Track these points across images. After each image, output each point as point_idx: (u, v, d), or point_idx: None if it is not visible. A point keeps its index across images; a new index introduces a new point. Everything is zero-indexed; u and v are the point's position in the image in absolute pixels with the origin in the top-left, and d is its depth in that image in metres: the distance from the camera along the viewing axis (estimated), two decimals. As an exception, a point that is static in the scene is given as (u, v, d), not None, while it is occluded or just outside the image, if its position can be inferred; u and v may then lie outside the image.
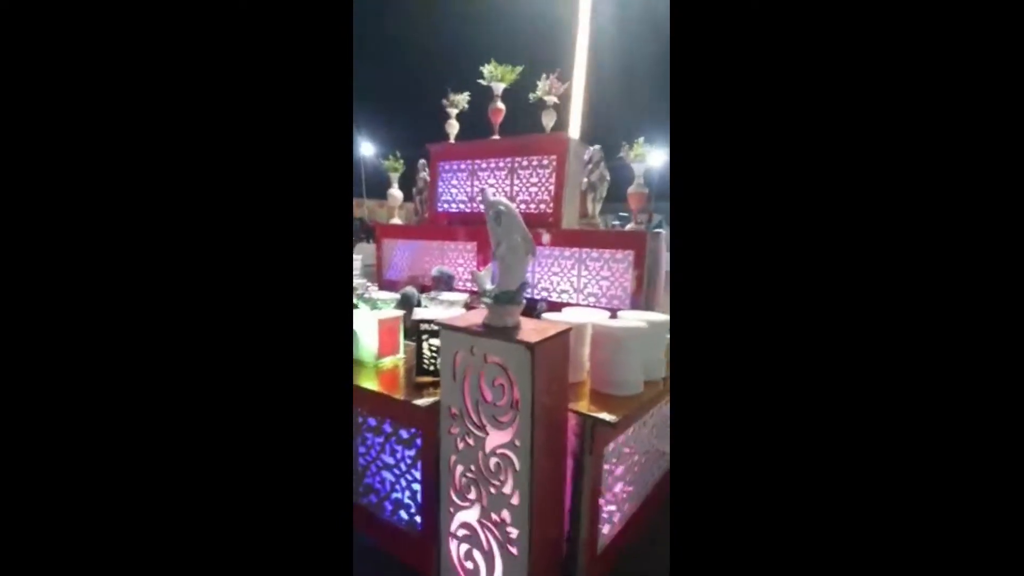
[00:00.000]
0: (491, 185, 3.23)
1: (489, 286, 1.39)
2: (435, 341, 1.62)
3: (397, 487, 1.65)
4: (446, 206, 3.45)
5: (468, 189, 3.34)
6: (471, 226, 3.22)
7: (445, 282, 2.75)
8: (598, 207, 2.87)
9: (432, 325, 1.61)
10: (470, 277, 3.12)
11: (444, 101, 3.39)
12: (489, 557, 1.39)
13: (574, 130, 3.53)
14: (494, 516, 1.36)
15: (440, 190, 3.47)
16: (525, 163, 3.07)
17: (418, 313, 1.67)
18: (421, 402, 1.49)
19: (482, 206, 1.38)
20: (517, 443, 1.29)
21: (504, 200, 1.35)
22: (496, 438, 1.33)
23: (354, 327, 1.80)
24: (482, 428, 1.35)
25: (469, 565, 1.44)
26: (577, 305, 2.56)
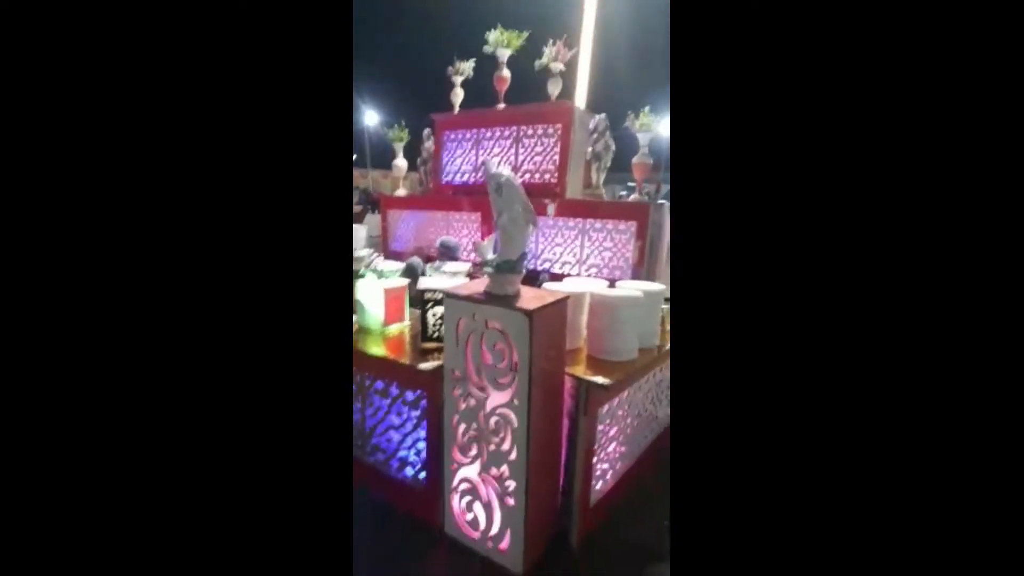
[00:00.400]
0: (496, 155, 3.23)
1: (491, 255, 1.44)
2: (439, 309, 1.68)
3: (403, 446, 1.75)
4: (451, 176, 3.46)
5: (473, 159, 3.34)
6: (475, 196, 3.24)
7: (449, 252, 2.80)
8: (602, 177, 2.88)
9: (436, 294, 1.67)
10: (473, 247, 3.16)
11: (449, 69, 3.36)
12: (488, 508, 1.49)
13: (580, 99, 3.50)
14: (493, 471, 1.45)
15: (445, 160, 3.47)
16: (530, 132, 3.05)
17: (423, 282, 1.73)
18: (426, 366, 1.57)
19: (482, 178, 1.42)
20: (516, 402, 1.37)
21: (505, 171, 1.38)
22: (496, 398, 1.41)
23: (361, 296, 1.87)
24: (483, 389, 1.43)
25: (470, 516, 1.55)
26: (579, 276, 2.61)
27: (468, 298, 1.42)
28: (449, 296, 1.47)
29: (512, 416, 1.38)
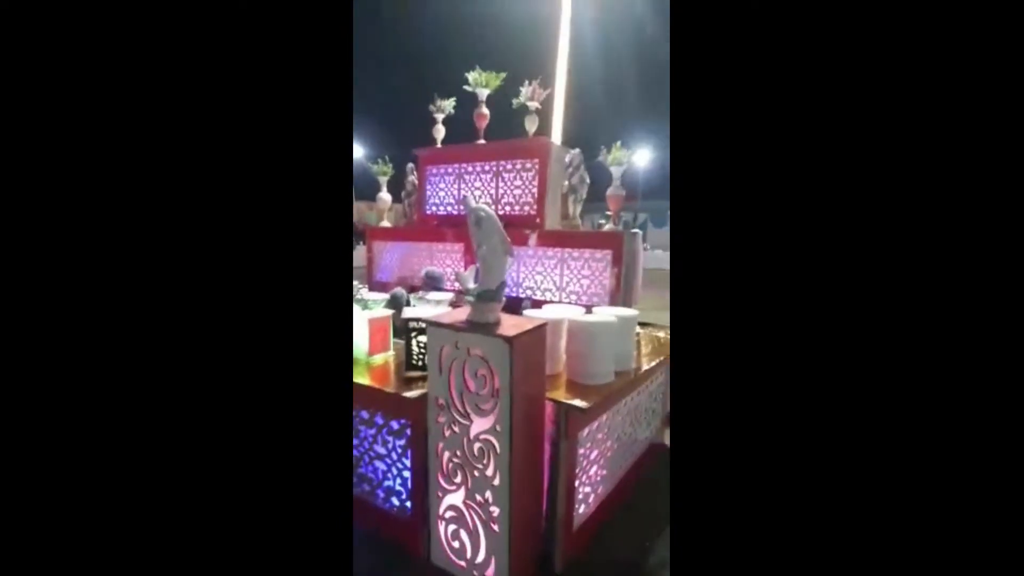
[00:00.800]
0: (477, 188, 3.35)
1: (472, 285, 1.51)
2: (423, 338, 1.73)
3: (389, 475, 1.76)
4: (434, 208, 3.56)
5: (455, 192, 3.45)
6: (458, 228, 3.33)
7: (434, 282, 2.86)
8: (579, 208, 3.00)
9: (420, 323, 1.72)
10: (455, 277, 3.24)
11: (431, 106, 3.50)
12: (474, 535, 1.51)
13: (556, 134, 3.67)
14: (478, 497, 1.48)
15: (428, 193, 3.58)
16: (509, 167, 3.18)
17: (407, 312, 1.78)
18: (410, 394, 1.61)
19: (463, 212, 1.50)
20: (498, 428, 1.41)
21: (483, 206, 1.47)
22: (479, 424, 1.45)
23: (346, 326, 1.91)
24: (466, 416, 1.47)
25: (456, 544, 1.56)
26: (560, 303, 2.69)
27: (450, 326, 1.48)
28: (432, 324, 1.53)
29: (495, 442, 1.43)
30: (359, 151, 17.13)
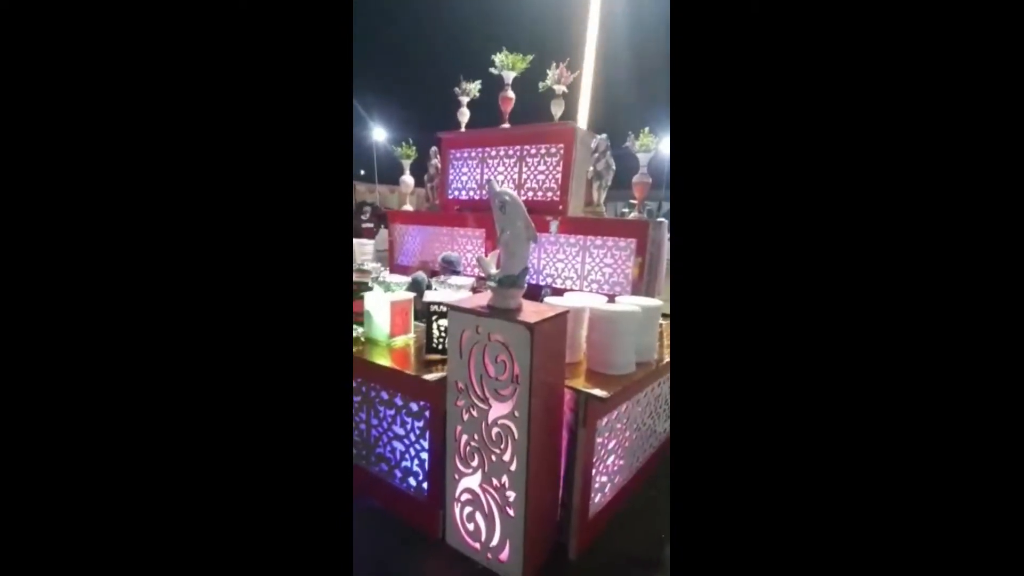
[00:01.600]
0: (500, 173, 3.32)
1: (494, 270, 1.50)
2: (443, 322, 1.73)
3: (407, 456, 1.78)
4: (456, 193, 3.55)
5: (478, 176, 3.43)
6: (480, 213, 3.32)
7: (451, 267, 2.87)
8: (603, 195, 2.95)
9: (441, 307, 1.72)
10: (476, 262, 3.23)
11: (456, 89, 3.47)
12: (489, 519, 1.52)
13: (582, 119, 3.60)
14: (495, 481, 1.49)
15: (451, 177, 3.56)
16: (533, 151, 3.14)
17: (429, 296, 1.79)
18: (430, 377, 1.62)
19: (487, 196, 1.48)
20: (516, 414, 1.41)
21: (508, 190, 1.44)
22: (498, 409, 1.45)
23: (368, 308, 1.92)
24: (485, 400, 1.47)
25: (471, 527, 1.57)
26: (580, 291, 2.67)
27: (472, 311, 1.47)
28: (453, 309, 1.52)
29: (513, 427, 1.42)
30: (382, 134, 17.17)
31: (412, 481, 1.78)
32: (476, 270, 3.21)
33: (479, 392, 1.48)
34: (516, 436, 1.42)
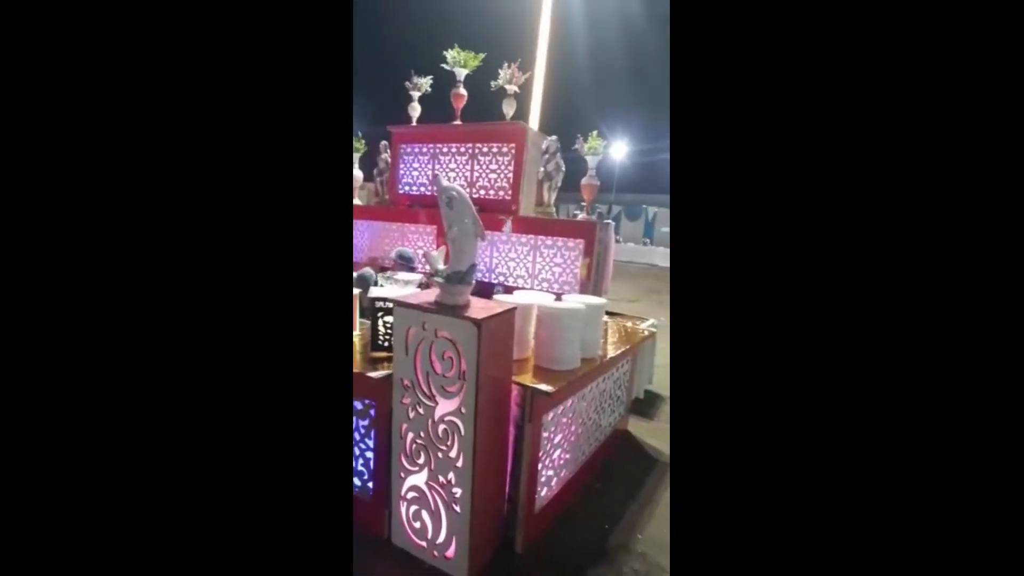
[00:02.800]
0: (452, 170, 3.30)
1: (441, 266, 1.49)
2: (390, 318, 1.70)
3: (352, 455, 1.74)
4: (407, 188, 3.49)
5: (429, 172, 3.39)
6: (431, 209, 3.28)
7: (406, 263, 2.82)
8: (554, 196, 3.00)
9: (387, 303, 1.69)
10: (424, 258, 3.20)
11: (407, 83, 3.41)
12: (436, 516, 1.51)
13: (533, 120, 3.64)
14: (441, 478, 1.48)
15: (401, 172, 3.50)
16: (485, 149, 3.15)
17: (374, 292, 1.75)
18: (375, 374, 1.59)
19: (433, 191, 1.47)
20: (463, 410, 1.41)
21: (455, 186, 1.44)
22: (444, 406, 1.45)
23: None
24: (431, 397, 1.46)
25: (417, 524, 1.56)
26: (531, 289, 2.70)
27: (418, 307, 1.46)
28: (399, 305, 1.50)
29: (459, 424, 1.42)
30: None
31: (356, 481, 1.73)
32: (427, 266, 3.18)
33: (425, 389, 1.47)
34: (463, 432, 1.42)
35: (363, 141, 3.67)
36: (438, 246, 3.21)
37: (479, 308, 1.46)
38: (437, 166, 3.36)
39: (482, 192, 3.14)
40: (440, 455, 1.47)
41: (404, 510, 1.58)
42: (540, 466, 1.68)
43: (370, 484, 1.69)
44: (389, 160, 3.56)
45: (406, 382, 1.51)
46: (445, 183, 1.44)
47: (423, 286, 2.02)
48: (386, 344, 1.73)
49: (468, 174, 3.22)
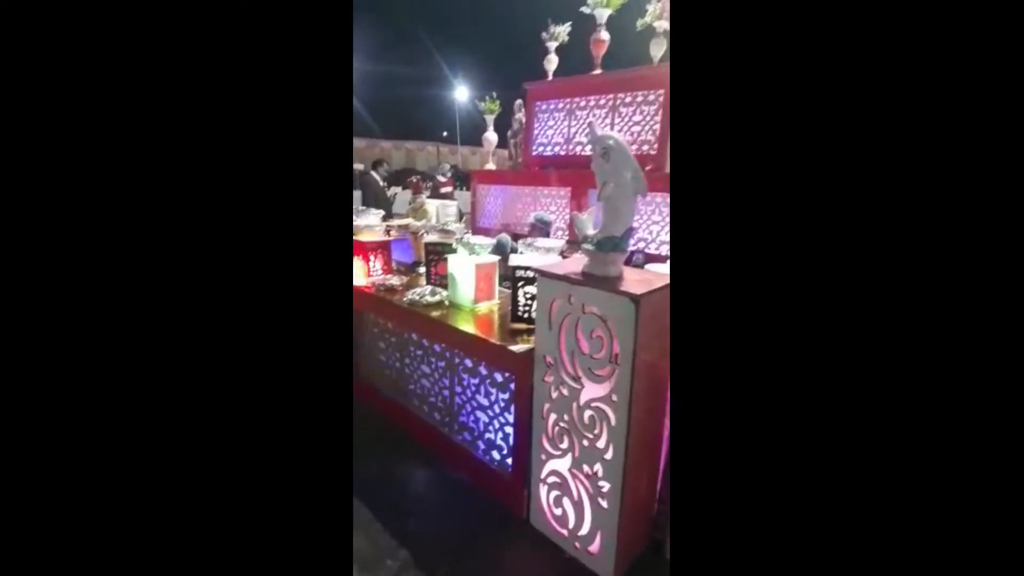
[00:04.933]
0: (590, 125, 3.04)
1: (591, 231, 1.29)
2: (531, 288, 1.58)
3: (491, 428, 1.69)
4: (541, 149, 3.32)
5: (565, 130, 3.17)
6: (566, 170, 3.07)
7: (542, 228, 2.69)
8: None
9: (528, 272, 1.56)
10: (563, 225, 3.01)
11: (543, 34, 3.18)
12: (579, 507, 1.39)
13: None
14: (586, 468, 1.34)
15: (535, 132, 3.34)
16: (628, 99, 2.81)
17: (514, 259, 1.63)
18: (516, 348, 1.48)
19: (588, 143, 1.26)
20: (614, 398, 1.23)
21: (613, 134, 1.21)
22: (592, 391, 1.28)
23: (453, 271, 1.82)
24: (577, 379, 1.31)
25: (559, 511, 1.45)
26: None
27: (564, 278, 1.29)
28: (542, 275, 1.35)
29: (609, 412, 1.25)
30: (464, 92, 16.83)
31: (496, 455, 1.68)
32: (562, 234, 2.99)
33: (570, 370, 1.32)
34: (613, 422, 1.25)
35: (497, 102, 3.56)
36: (571, 210, 3.00)
37: (635, 281, 1.24)
38: (573, 122, 3.11)
39: (624, 148, 2.83)
40: (586, 443, 1.32)
41: (544, 494, 1.48)
42: (699, 465, 1.44)
43: (509, 460, 1.63)
44: (523, 120, 3.40)
45: (549, 359, 1.37)
46: (600, 132, 1.22)
47: (562, 254, 1.85)
48: (526, 316, 1.61)
49: (608, 128, 2.92)
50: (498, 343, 1.54)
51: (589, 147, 2.83)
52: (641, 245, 2.64)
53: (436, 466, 1.83)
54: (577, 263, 1.39)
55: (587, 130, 1.24)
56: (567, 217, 3.03)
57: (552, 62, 3.21)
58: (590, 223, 1.31)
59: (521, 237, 2.49)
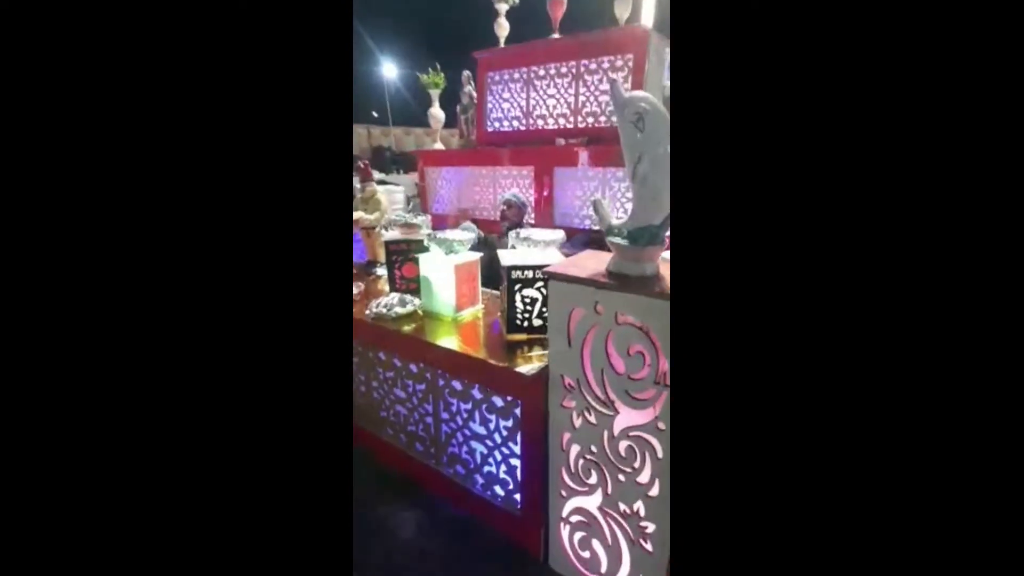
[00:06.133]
0: (551, 96, 2.76)
1: (615, 220, 1.03)
2: (530, 292, 1.30)
3: (490, 460, 1.42)
4: (497, 124, 3.01)
5: (523, 103, 2.87)
6: (526, 147, 2.79)
7: (518, 209, 2.42)
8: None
9: (527, 273, 1.28)
10: (592, 208, 2.72)
11: (491, -4, 2.83)
12: (614, 550, 1.16)
13: (648, 18, 2.91)
14: (623, 507, 1.11)
15: (489, 106, 3.01)
16: (593, 66, 2.55)
17: (507, 257, 1.34)
18: (524, 370, 1.21)
19: (610, 110, 0.99)
20: (661, 426, 1.00)
21: (647, 95, 0.95)
22: (630, 417, 1.05)
23: (427, 274, 1.50)
24: (609, 405, 1.06)
25: (586, 555, 1.22)
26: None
27: (588, 281, 1.03)
28: (557, 279, 1.08)
29: (654, 443, 1.02)
30: (392, 69, 15.69)
31: (499, 490, 1.42)
32: (585, 220, 2.65)
33: (599, 393, 1.07)
34: (659, 454, 1.02)
35: (442, 75, 3.17)
36: (535, 192, 2.73)
37: (676, 279, 1.00)
38: (532, 94, 2.82)
39: (590, 120, 2.60)
40: (622, 478, 1.09)
41: (567, 534, 1.25)
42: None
43: (517, 496, 1.37)
44: (474, 94, 3.06)
45: (569, 381, 1.12)
46: (626, 94, 0.95)
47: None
48: (525, 324, 1.34)
49: (572, 100, 2.67)
50: (498, 363, 1.26)
51: (604, 116, 2.58)
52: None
53: (425, 505, 1.54)
54: (595, 260, 1.13)
55: (611, 89, 0.97)
56: (531, 199, 2.76)
57: (503, 27, 2.88)
58: (613, 211, 1.05)
59: (483, 222, 2.19)
